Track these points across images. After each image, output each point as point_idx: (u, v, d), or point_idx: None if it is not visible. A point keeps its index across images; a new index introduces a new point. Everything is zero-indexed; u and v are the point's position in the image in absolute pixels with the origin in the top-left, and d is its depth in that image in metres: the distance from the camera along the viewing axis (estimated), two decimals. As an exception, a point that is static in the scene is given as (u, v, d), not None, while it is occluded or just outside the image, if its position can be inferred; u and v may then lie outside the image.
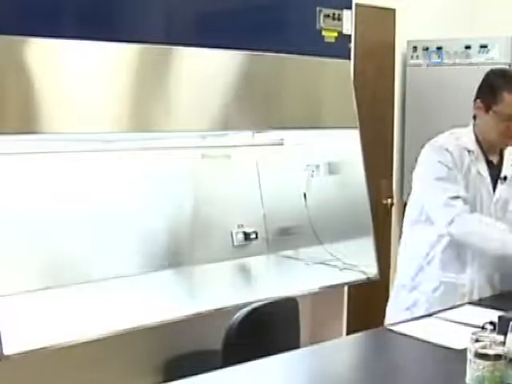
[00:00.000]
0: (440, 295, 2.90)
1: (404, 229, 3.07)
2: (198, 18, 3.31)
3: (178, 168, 3.64)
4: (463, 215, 2.80)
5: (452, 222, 2.79)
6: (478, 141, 2.92)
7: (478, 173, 2.90)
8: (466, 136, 2.93)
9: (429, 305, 2.88)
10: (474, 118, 2.95)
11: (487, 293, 2.93)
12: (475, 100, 2.91)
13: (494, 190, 2.92)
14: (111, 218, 3.40)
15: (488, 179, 2.92)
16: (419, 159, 2.96)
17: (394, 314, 2.98)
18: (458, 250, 2.87)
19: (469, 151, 2.90)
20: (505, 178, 2.94)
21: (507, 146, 2.94)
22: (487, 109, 2.85)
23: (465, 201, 2.82)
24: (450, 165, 2.84)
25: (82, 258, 3.28)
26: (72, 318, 2.81)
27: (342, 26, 3.82)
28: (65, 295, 3.10)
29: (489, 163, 2.94)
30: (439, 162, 2.85)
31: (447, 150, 2.86)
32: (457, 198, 2.81)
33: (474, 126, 2.95)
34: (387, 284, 4.03)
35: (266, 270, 3.96)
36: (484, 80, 2.92)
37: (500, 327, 2.10)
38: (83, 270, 3.26)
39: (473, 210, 2.86)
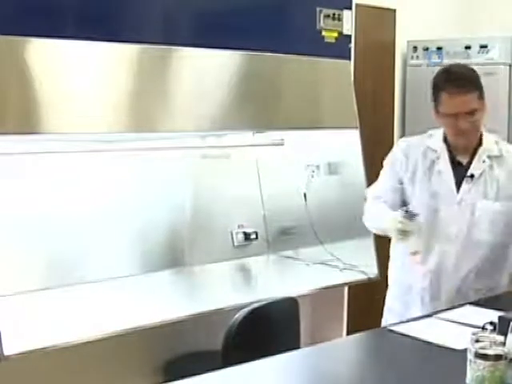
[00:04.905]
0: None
1: None
2: (198, 18, 3.31)
3: (178, 168, 3.64)
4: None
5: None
6: (446, 141, 2.89)
7: (439, 172, 2.87)
8: (436, 135, 2.92)
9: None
10: None
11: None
12: None
13: (459, 190, 2.86)
14: (111, 218, 3.40)
15: (450, 178, 2.86)
16: None
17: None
18: None
19: (432, 150, 2.89)
20: (471, 177, 2.85)
21: (464, 145, 2.85)
22: (436, 110, 2.82)
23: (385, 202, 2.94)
24: (396, 165, 2.94)
25: (82, 258, 3.28)
26: (72, 318, 2.82)
27: (342, 26, 3.82)
28: (65, 295, 3.11)
29: (456, 163, 2.87)
30: (385, 163, 3.00)
31: (399, 146, 2.98)
32: (376, 198, 2.98)
33: None
34: (387, 284, 4.02)
35: (266, 270, 3.97)
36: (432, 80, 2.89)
37: (500, 327, 2.10)
38: (83, 270, 3.27)
39: (434, 210, 2.85)
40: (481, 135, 2.88)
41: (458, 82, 2.73)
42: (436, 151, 2.89)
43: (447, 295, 2.87)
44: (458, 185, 2.85)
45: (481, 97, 2.78)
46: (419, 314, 2.80)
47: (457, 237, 2.84)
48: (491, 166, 2.86)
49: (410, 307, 2.91)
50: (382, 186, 3.02)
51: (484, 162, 2.85)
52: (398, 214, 2.73)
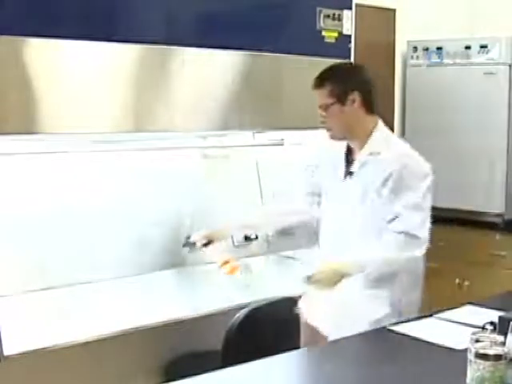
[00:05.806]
0: None
1: None
2: (198, 18, 3.31)
3: (179, 168, 3.64)
4: None
5: None
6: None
7: (334, 172, 2.87)
8: None
9: None
10: None
11: None
12: None
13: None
14: (111, 218, 3.40)
15: (340, 176, 2.84)
16: None
17: None
18: None
19: (336, 151, 2.88)
20: (350, 174, 2.80)
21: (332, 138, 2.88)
22: None
23: (306, 197, 3.05)
24: (310, 165, 3.06)
25: (82, 259, 3.28)
26: (72, 318, 2.82)
27: (342, 26, 3.82)
28: (65, 295, 3.11)
29: (350, 160, 2.84)
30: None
31: (315, 148, 3.13)
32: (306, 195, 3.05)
33: None
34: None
35: (266, 270, 3.96)
36: None
37: (500, 327, 2.10)
38: (83, 270, 3.26)
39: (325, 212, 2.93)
40: (370, 133, 2.80)
41: (315, 78, 2.86)
42: (337, 152, 2.88)
43: (347, 304, 2.75)
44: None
45: (333, 94, 2.78)
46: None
47: (337, 239, 2.80)
48: (365, 165, 2.77)
49: None
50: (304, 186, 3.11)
51: (361, 160, 2.78)
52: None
